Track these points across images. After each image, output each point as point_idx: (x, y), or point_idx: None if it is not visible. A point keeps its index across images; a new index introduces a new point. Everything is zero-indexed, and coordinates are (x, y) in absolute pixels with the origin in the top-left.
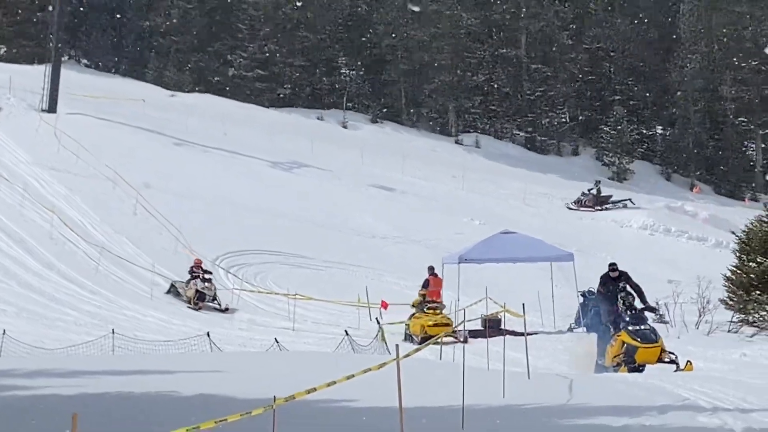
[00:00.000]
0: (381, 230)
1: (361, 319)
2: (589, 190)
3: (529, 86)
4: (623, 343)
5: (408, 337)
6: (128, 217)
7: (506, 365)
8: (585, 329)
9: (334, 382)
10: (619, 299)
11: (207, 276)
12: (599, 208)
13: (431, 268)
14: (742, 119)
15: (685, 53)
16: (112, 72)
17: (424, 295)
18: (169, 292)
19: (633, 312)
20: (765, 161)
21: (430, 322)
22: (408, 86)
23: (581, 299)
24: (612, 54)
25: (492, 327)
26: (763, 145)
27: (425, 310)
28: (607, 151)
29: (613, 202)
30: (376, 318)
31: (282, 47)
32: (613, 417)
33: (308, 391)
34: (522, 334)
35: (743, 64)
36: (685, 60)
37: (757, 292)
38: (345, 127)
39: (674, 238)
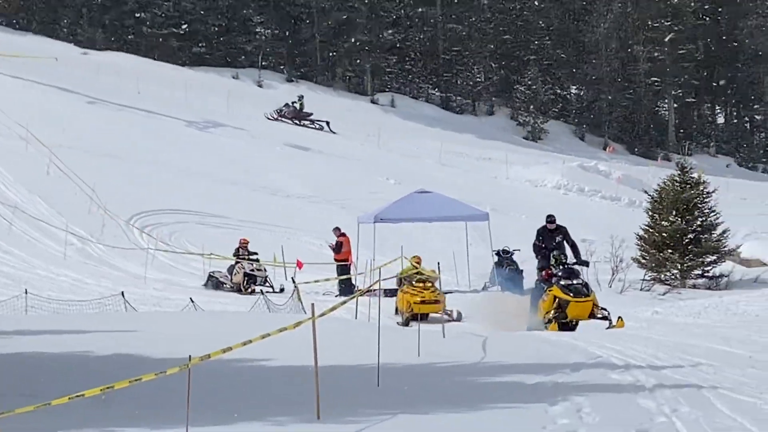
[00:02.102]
0: (296, 190)
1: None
2: (292, 103)
3: (444, 46)
4: (555, 297)
5: (398, 313)
6: (41, 176)
7: (421, 324)
8: (499, 288)
9: (250, 341)
10: (552, 257)
11: (254, 257)
12: (298, 122)
13: (338, 229)
14: (655, 79)
15: (599, 13)
16: (23, 30)
17: (418, 262)
18: (206, 285)
19: (565, 266)
20: (677, 121)
21: (418, 299)
22: (324, 45)
23: (496, 258)
24: (527, 14)
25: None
26: (675, 105)
27: (414, 283)
28: (522, 110)
29: (311, 120)
30: (292, 277)
31: (197, 5)
32: (526, 375)
33: (223, 351)
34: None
35: (656, 24)
36: (599, 20)
37: (669, 250)
38: (260, 86)
39: (588, 197)
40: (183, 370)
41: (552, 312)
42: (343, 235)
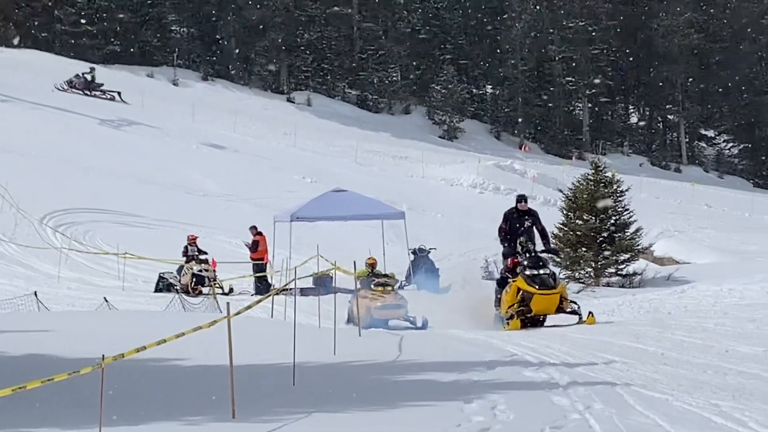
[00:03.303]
0: (212, 188)
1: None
2: (82, 74)
3: (360, 45)
4: (518, 290)
5: (351, 321)
6: None
7: (337, 323)
8: (416, 286)
9: (164, 341)
10: (518, 243)
11: (203, 257)
12: (88, 93)
13: (254, 228)
14: (570, 79)
15: (514, 13)
16: None
17: (372, 265)
18: (158, 289)
19: (531, 255)
20: (592, 121)
21: (378, 303)
22: (240, 44)
23: (412, 257)
24: (443, 13)
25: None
26: (589, 105)
27: (372, 287)
28: (438, 109)
29: (102, 91)
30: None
31: (110, 2)
32: (442, 373)
33: (137, 350)
34: (353, 292)
35: (571, 24)
36: (514, 20)
37: (583, 249)
38: (176, 84)
39: (503, 196)
40: (96, 369)
41: (515, 306)
42: (260, 233)
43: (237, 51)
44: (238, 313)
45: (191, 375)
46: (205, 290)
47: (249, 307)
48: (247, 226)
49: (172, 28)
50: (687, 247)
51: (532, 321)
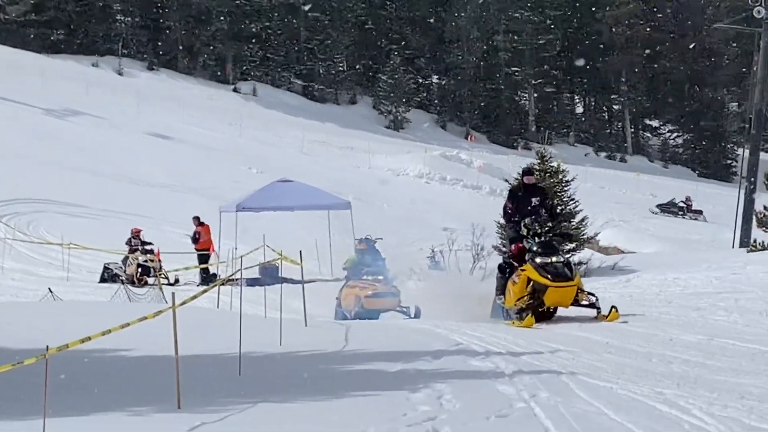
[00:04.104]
0: (158, 178)
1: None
2: None
3: (306, 35)
4: (529, 280)
5: (339, 315)
6: None
7: (283, 313)
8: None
9: (109, 331)
10: (523, 225)
11: (148, 247)
12: None
13: (197, 219)
14: (516, 69)
15: (460, 3)
16: None
17: (363, 251)
18: (103, 279)
19: (541, 239)
20: (537, 111)
21: (369, 292)
22: (185, 33)
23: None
24: (389, 3)
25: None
26: (535, 95)
27: (362, 276)
28: (385, 99)
29: None
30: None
31: None
32: (388, 362)
33: (82, 341)
34: (299, 282)
35: (516, 15)
36: (460, 10)
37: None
38: (120, 74)
39: (450, 186)
40: (40, 360)
41: (525, 299)
42: (202, 224)
43: (182, 41)
44: (183, 303)
45: (136, 365)
46: (150, 280)
47: (194, 297)
48: (192, 217)
49: (117, 17)
50: (632, 236)
51: (543, 313)
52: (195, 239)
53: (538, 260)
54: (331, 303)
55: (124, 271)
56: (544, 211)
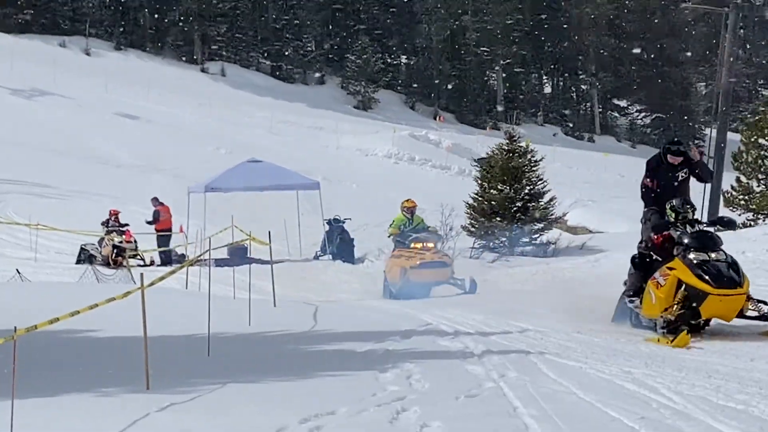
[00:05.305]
0: (125, 159)
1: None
2: None
3: (274, 14)
4: (680, 283)
5: (387, 291)
6: None
7: (252, 293)
8: (331, 257)
9: (78, 312)
10: (670, 209)
11: (124, 228)
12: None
13: (155, 199)
14: (485, 49)
15: None
16: None
17: (412, 208)
18: (80, 261)
19: (697, 229)
20: (506, 91)
21: (416, 262)
22: (152, 13)
23: (327, 227)
24: None
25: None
26: (504, 75)
27: (408, 244)
28: (353, 80)
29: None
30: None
31: None
32: (357, 342)
33: (50, 322)
34: (268, 262)
35: None
36: None
37: (498, 218)
38: (88, 54)
39: (418, 166)
40: (8, 341)
41: (675, 308)
42: (162, 204)
43: (150, 20)
44: (151, 284)
45: (105, 346)
46: (130, 262)
47: (162, 278)
48: (162, 197)
49: None
50: (600, 216)
51: (697, 328)
52: (156, 220)
53: (692, 256)
54: (299, 284)
55: (100, 253)
56: (696, 179)
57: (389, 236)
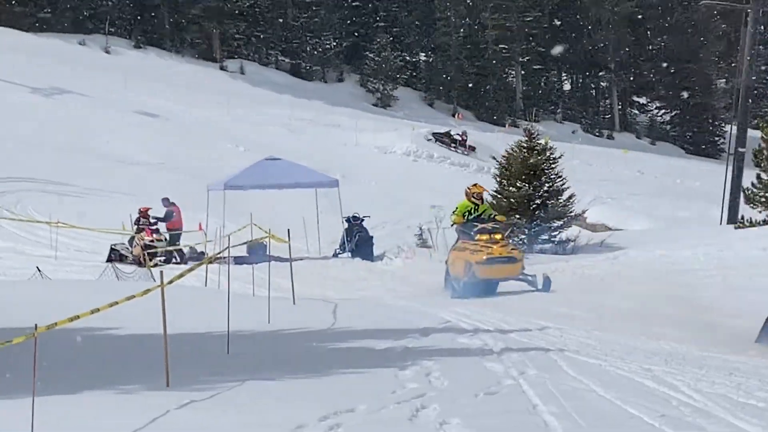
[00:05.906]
0: (144, 158)
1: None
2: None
3: (294, 12)
4: None
5: (449, 285)
6: None
7: (271, 291)
8: (350, 254)
9: (98, 310)
10: None
11: (155, 227)
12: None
13: (166, 200)
14: (503, 47)
15: None
16: None
17: (478, 197)
18: (110, 260)
19: None
20: (525, 88)
21: (483, 257)
22: (171, 11)
23: (346, 225)
24: None
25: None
26: (522, 72)
27: (474, 235)
28: (372, 77)
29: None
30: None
31: None
32: (376, 340)
33: (71, 319)
34: (287, 260)
35: None
36: None
37: (517, 216)
38: (108, 52)
39: (437, 164)
40: (29, 338)
41: None
42: (173, 204)
43: (169, 18)
44: (171, 282)
45: (125, 344)
46: (157, 260)
47: (182, 275)
48: (178, 196)
49: None
50: (619, 213)
51: None
52: (167, 218)
53: None
54: (317, 282)
55: (131, 252)
56: None
57: (452, 225)
